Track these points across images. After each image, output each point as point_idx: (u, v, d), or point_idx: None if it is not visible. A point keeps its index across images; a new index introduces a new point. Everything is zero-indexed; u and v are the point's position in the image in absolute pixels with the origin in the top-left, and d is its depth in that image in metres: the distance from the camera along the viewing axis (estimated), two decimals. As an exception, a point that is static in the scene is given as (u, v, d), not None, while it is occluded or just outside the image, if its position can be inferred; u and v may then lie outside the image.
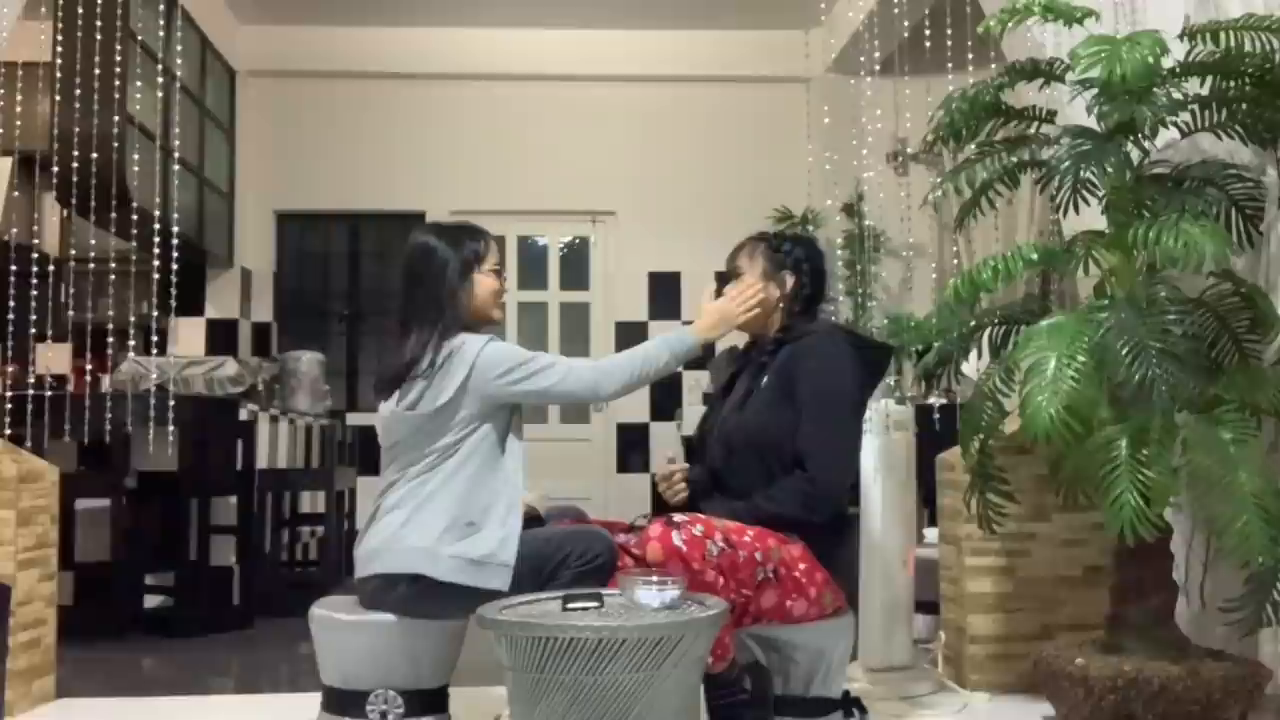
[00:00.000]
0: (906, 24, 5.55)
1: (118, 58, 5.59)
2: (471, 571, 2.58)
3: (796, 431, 2.73)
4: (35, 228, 6.23)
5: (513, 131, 7.65)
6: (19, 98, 4.63)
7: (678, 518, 2.54)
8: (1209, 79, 2.82)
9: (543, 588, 2.55)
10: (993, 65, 3.71)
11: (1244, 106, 2.78)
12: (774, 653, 2.72)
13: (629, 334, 7.71)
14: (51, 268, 5.19)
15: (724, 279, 3.00)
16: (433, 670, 2.71)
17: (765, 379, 2.84)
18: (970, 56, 4.29)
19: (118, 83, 5.59)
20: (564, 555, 2.60)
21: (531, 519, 2.79)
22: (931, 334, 3.15)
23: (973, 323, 3.10)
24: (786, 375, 2.79)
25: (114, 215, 5.62)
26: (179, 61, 6.49)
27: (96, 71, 5.43)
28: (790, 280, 2.93)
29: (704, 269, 7.61)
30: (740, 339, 3.15)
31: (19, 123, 4.59)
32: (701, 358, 3.35)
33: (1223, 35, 2.74)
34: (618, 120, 7.73)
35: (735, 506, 2.72)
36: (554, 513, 2.92)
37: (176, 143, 6.35)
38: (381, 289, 7.80)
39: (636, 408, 7.66)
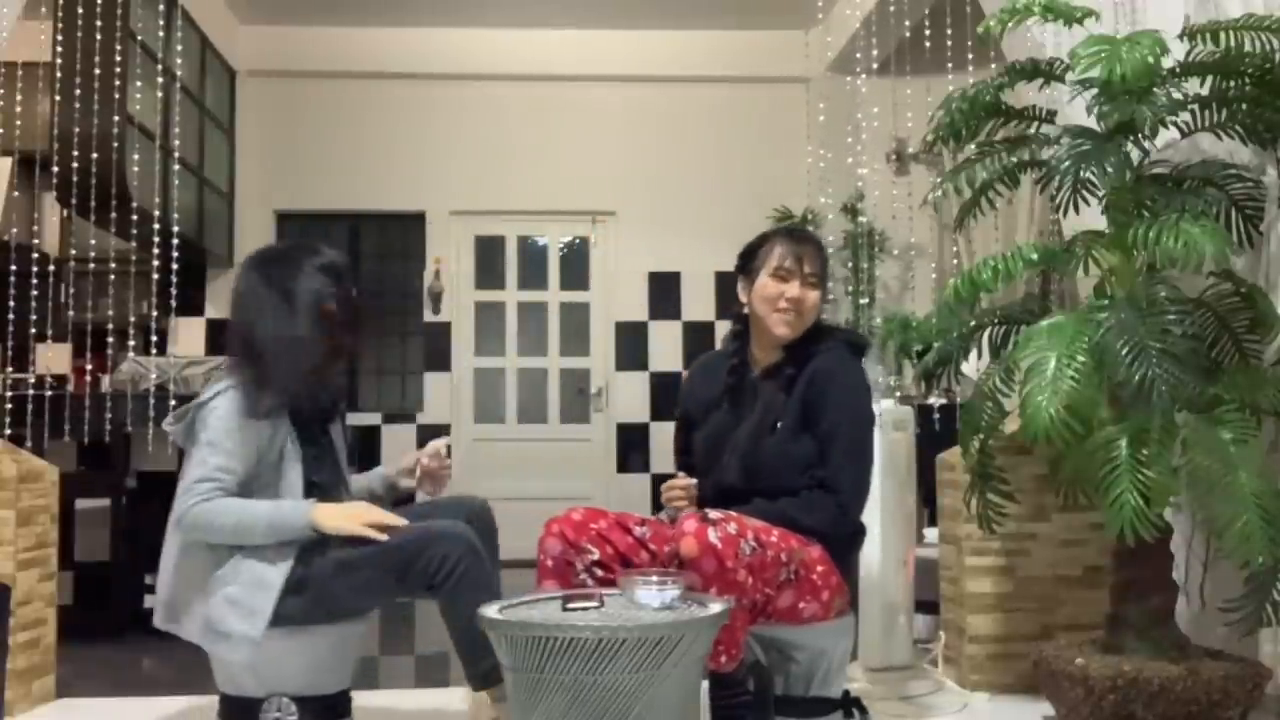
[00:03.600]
0: (906, 24, 5.55)
1: (118, 58, 5.59)
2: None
3: (817, 454, 2.73)
4: (35, 228, 6.23)
5: (513, 131, 7.65)
6: (19, 98, 4.63)
7: (713, 514, 2.52)
8: (1209, 79, 2.82)
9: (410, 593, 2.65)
10: (993, 65, 3.71)
11: (1244, 106, 2.78)
12: (775, 652, 2.72)
13: (629, 334, 7.72)
14: (51, 268, 5.19)
15: (798, 275, 2.83)
16: (329, 676, 2.72)
17: (789, 404, 2.79)
18: (970, 56, 4.29)
19: (118, 83, 5.59)
20: (426, 569, 2.62)
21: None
22: (931, 334, 3.15)
23: (973, 323, 3.10)
24: (811, 403, 2.77)
25: (114, 215, 5.61)
26: (179, 61, 6.48)
27: (96, 71, 5.42)
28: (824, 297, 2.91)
29: (704, 269, 7.71)
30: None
31: (19, 123, 4.60)
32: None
33: (1223, 35, 2.74)
34: (618, 120, 7.73)
35: (762, 506, 2.70)
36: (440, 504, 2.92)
37: (176, 143, 6.35)
38: (382, 289, 7.80)
39: (637, 408, 7.67)
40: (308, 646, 2.66)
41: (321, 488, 2.82)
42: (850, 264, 6.95)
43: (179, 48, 6.50)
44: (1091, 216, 2.85)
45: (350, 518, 2.68)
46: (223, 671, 2.75)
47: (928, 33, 4.55)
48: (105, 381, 4.83)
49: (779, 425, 2.78)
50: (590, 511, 2.78)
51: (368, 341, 7.76)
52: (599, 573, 2.69)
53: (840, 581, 2.70)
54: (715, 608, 2.28)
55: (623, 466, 7.64)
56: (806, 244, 2.88)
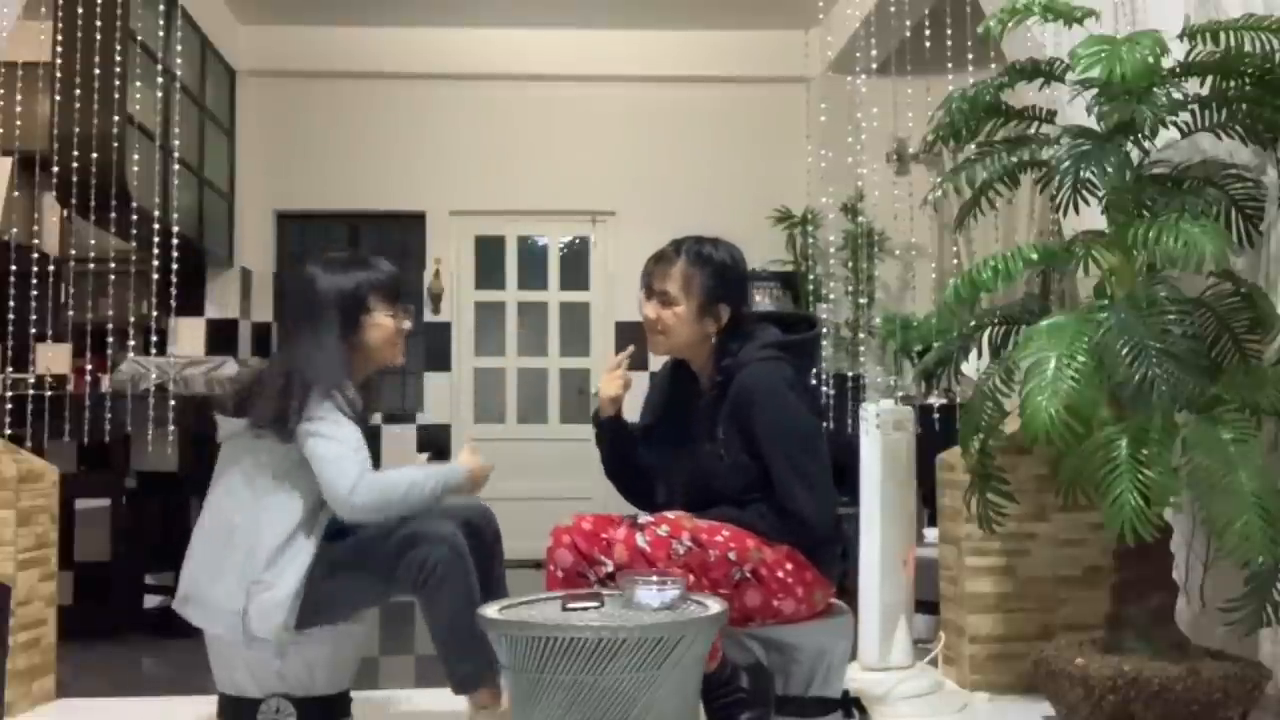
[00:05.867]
0: (906, 24, 5.54)
1: (118, 58, 5.58)
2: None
3: (761, 475, 2.71)
4: (35, 228, 6.22)
5: (513, 131, 7.64)
6: (19, 98, 4.62)
7: (643, 519, 2.55)
8: (1209, 79, 2.82)
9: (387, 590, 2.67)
10: (993, 65, 3.71)
11: (1244, 106, 2.78)
12: (776, 653, 2.72)
13: (629, 334, 7.71)
14: (51, 268, 5.18)
15: (650, 293, 2.89)
16: (328, 677, 2.72)
17: (721, 428, 2.77)
18: (970, 56, 4.28)
19: (118, 83, 5.58)
20: (409, 569, 2.63)
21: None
22: (931, 334, 3.15)
23: (973, 323, 3.10)
24: (741, 420, 2.74)
25: (114, 215, 5.61)
26: (179, 61, 6.48)
27: (96, 71, 5.42)
28: (726, 314, 2.83)
29: (704, 269, 7.67)
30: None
31: (19, 123, 4.58)
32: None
33: (1223, 35, 2.73)
34: (618, 120, 7.72)
35: (728, 513, 2.70)
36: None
37: (176, 143, 6.34)
38: (381, 289, 7.79)
39: (637, 408, 7.65)
40: (305, 648, 2.66)
41: None
42: (850, 264, 6.95)
43: (179, 48, 6.50)
44: (1091, 216, 2.85)
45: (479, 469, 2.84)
46: (222, 671, 2.75)
47: (928, 33, 4.54)
48: (105, 381, 4.83)
49: (723, 450, 2.76)
50: (599, 519, 2.75)
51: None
52: (613, 584, 2.68)
53: (816, 577, 2.69)
54: (715, 608, 2.28)
55: (623, 466, 7.63)
56: (660, 262, 2.87)
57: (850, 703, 2.77)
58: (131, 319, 6.62)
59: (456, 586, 2.62)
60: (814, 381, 3.03)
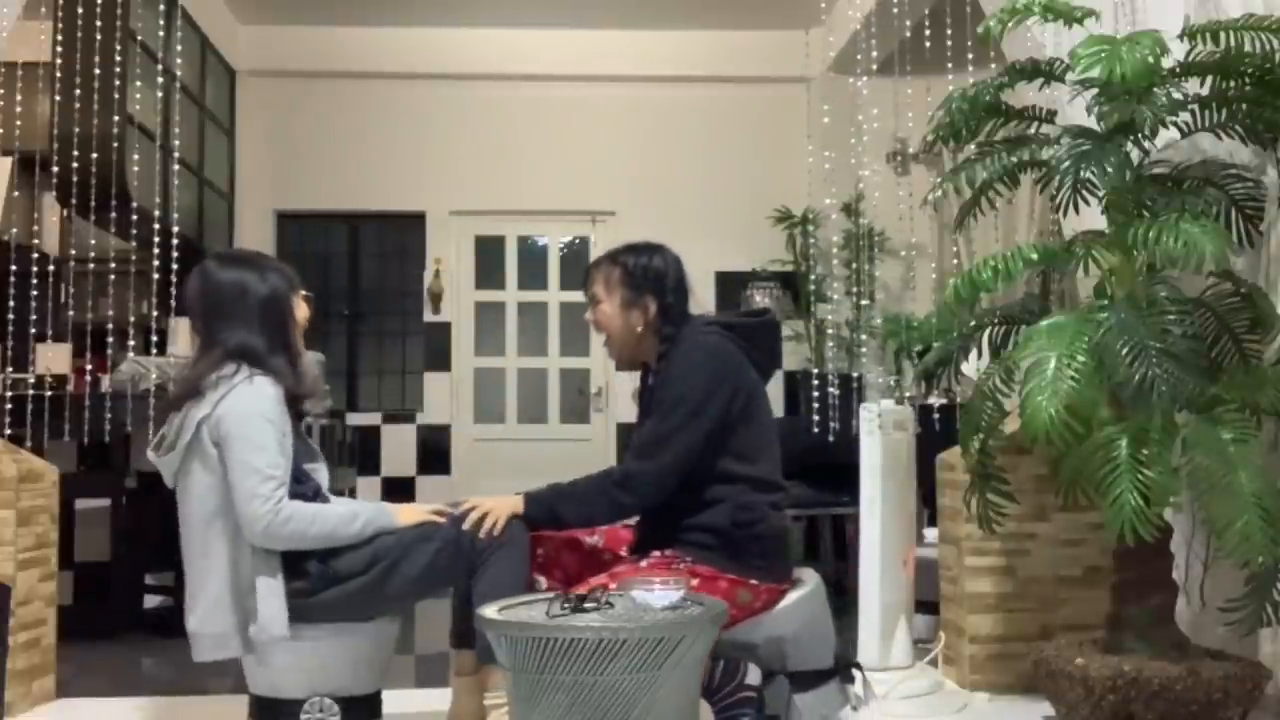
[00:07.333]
0: (906, 24, 5.55)
1: (118, 58, 5.58)
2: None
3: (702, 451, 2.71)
4: (35, 228, 6.22)
5: (513, 131, 7.64)
6: (19, 98, 4.62)
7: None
8: (1209, 79, 2.83)
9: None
10: (993, 65, 3.71)
11: (1244, 106, 2.78)
12: (738, 650, 2.73)
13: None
14: (51, 268, 5.18)
15: (590, 298, 2.97)
16: (369, 675, 2.71)
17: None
18: (970, 56, 4.28)
19: (118, 83, 5.58)
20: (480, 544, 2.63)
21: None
22: (931, 334, 3.16)
23: (973, 323, 3.10)
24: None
25: (114, 215, 5.61)
26: (179, 61, 6.48)
27: (96, 71, 5.42)
28: (653, 305, 2.86)
29: (704, 269, 7.67)
30: None
31: (19, 123, 4.59)
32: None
33: (1223, 35, 2.74)
34: (617, 120, 7.72)
35: (558, 486, 2.73)
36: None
37: (176, 143, 6.34)
38: (381, 289, 7.80)
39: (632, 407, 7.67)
40: (352, 644, 2.64)
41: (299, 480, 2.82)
42: (850, 264, 6.95)
43: (179, 48, 6.50)
44: (1091, 216, 2.85)
45: (424, 511, 2.76)
46: (258, 673, 2.68)
47: (928, 33, 4.54)
48: (105, 381, 4.82)
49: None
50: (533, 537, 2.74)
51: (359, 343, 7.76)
52: None
53: (732, 580, 2.66)
54: (715, 608, 2.28)
55: (623, 466, 7.64)
56: (589, 270, 2.97)
57: (847, 666, 2.78)
58: (131, 319, 6.61)
59: (517, 558, 2.64)
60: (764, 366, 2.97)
